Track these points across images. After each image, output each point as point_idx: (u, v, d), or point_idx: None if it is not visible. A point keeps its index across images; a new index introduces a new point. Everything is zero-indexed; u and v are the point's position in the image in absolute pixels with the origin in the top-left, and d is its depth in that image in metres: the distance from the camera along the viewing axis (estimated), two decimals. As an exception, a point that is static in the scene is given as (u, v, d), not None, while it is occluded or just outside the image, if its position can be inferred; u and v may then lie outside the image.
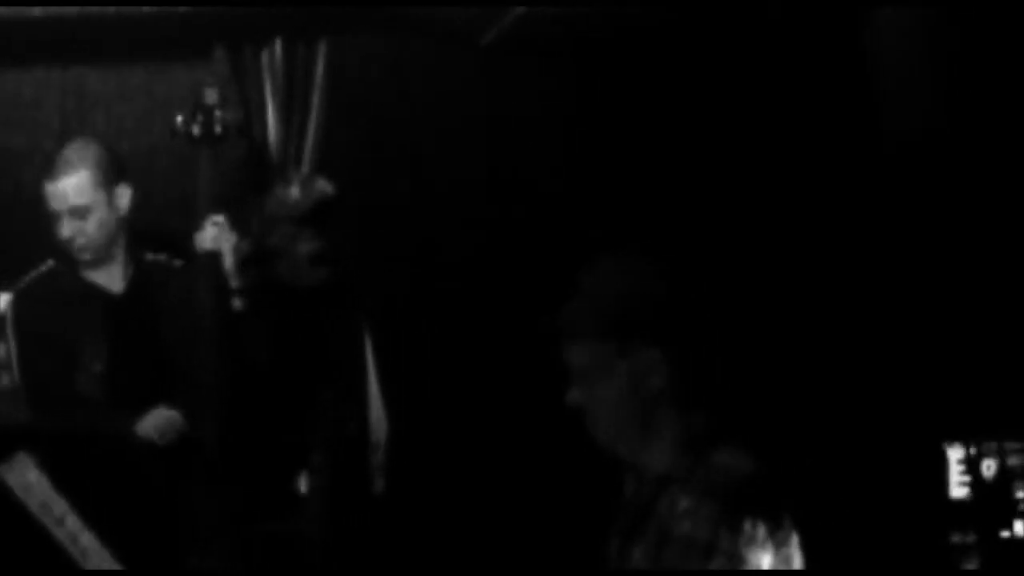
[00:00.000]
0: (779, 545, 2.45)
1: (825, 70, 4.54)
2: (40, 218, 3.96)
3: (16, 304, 4.07)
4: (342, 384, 4.44)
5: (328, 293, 4.42)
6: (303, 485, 4.31)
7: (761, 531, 2.42)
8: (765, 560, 2.41)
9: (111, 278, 3.96)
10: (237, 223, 3.98)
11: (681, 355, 2.47)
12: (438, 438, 4.51)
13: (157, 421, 3.86)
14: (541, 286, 4.42)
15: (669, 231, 4.47)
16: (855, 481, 4.20)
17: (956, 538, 3.94)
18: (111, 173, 3.89)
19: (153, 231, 4.09)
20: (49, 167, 3.95)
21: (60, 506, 3.60)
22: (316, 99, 4.41)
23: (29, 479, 3.56)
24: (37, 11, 4.16)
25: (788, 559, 2.47)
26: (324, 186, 4.42)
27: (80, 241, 3.90)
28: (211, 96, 3.90)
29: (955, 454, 3.96)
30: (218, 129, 3.88)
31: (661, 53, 4.57)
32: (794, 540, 2.47)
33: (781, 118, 4.56)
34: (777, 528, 2.44)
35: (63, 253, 4.02)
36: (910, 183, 4.30)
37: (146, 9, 4.15)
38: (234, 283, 3.97)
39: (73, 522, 3.59)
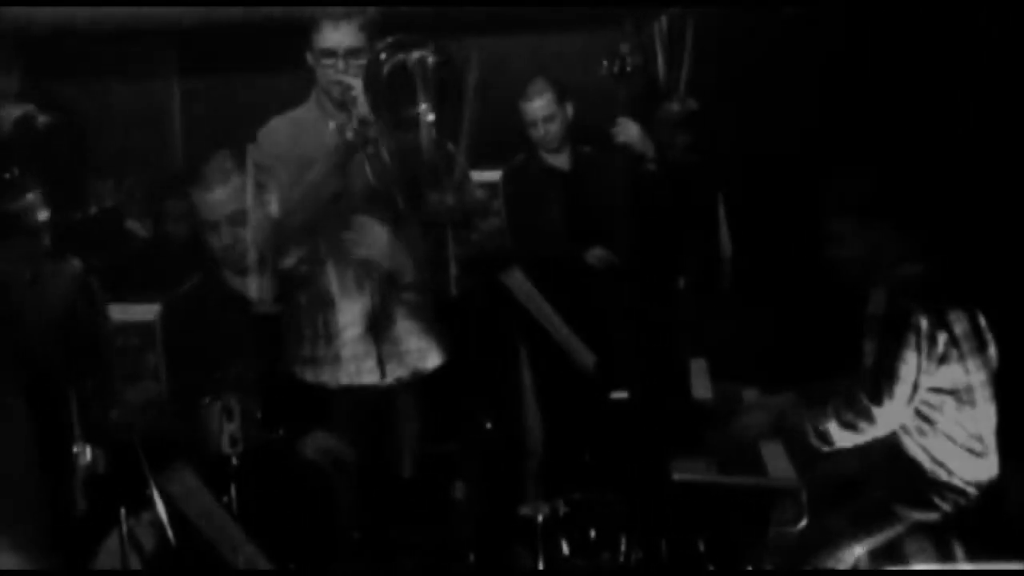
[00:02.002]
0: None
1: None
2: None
3: (165, 315, 4.06)
4: (497, 393, 4.43)
5: (488, 303, 4.27)
6: (458, 493, 4.28)
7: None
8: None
9: (256, 287, 4.00)
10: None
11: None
12: (592, 446, 4.39)
13: (319, 444, 3.96)
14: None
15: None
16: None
17: None
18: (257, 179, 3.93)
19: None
20: (197, 178, 3.95)
21: (220, 515, 3.52)
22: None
23: (189, 488, 3.47)
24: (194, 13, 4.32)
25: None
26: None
27: (240, 248, 3.90)
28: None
29: None
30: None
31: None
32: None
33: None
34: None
35: (209, 265, 4.03)
36: None
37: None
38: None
39: (233, 531, 3.50)
